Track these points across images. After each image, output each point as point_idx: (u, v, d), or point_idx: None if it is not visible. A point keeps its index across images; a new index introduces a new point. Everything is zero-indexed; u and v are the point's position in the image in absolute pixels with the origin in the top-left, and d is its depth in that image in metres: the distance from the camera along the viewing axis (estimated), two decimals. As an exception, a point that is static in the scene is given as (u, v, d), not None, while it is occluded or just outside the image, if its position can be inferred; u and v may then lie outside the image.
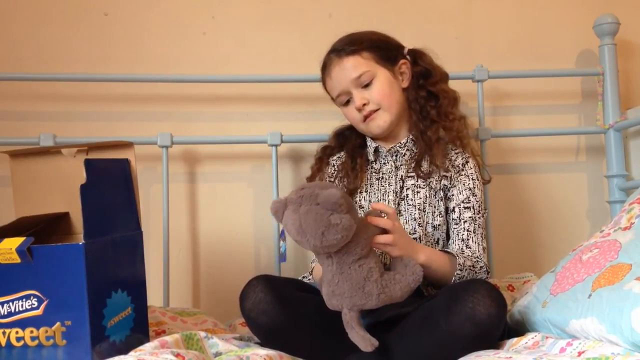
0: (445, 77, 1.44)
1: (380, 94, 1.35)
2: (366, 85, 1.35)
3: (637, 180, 1.68)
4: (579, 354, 0.99)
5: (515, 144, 1.77)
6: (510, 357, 0.99)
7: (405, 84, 1.40)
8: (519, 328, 1.23)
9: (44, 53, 1.67)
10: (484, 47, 1.77)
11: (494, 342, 1.12)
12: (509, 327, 1.21)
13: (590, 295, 1.06)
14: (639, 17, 1.80)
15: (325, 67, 1.40)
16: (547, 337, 1.11)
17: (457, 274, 1.23)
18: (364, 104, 1.35)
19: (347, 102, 1.39)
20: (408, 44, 1.43)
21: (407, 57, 1.41)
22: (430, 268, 1.21)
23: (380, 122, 1.36)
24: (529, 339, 1.11)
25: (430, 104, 1.40)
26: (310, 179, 1.50)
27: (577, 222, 1.76)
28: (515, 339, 1.13)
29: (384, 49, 1.39)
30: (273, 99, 1.72)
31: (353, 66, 1.35)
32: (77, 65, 1.67)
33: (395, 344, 1.13)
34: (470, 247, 1.30)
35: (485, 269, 1.28)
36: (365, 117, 1.36)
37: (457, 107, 1.43)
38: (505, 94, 1.77)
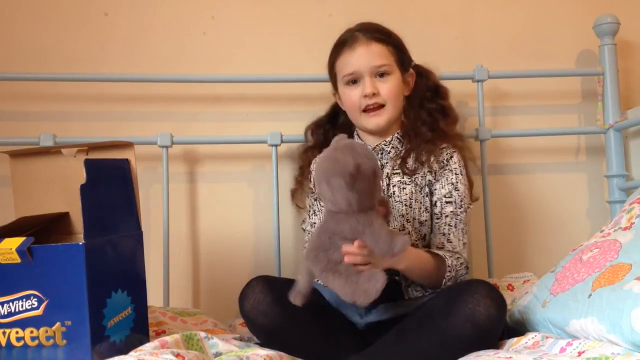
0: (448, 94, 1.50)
1: (391, 92, 1.36)
2: (380, 77, 1.36)
3: (637, 180, 1.68)
4: (579, 354, 0.99)
5: (515, 144, 1.77)
6: (510, 357, 0.99)
7: (406, 93, 1.43)
8: (519, 328, 1.23)
9: (44, 53, 1.67)
10: (484, 47, 1.77)
11: (494, 343, 1.13)
12: (509, 327, 1.21)
13: (590, 295, 1.06)
14: (639, 17, 1.80)
15: (347, 42, 1.38)
16: (547, 337, 1.11)
17: (447, 275, 1.24)
18: (374, 94, 1.35)
19: (354, 84, 1.38)
20: (408, 43, 1.43)
21: (413, 70, 1.44)
22: (413, 273, 1.23)
23: (382, 120, 1.36)
24: (529, 338, 1.12)
25: (437, 116, 1.43)
26: (294, 192, 1.56)
27: (577, 222, 1.76)
28: (515, 339, 1.13)
29: (403, 53, 1.41)
30: (273, 99, 1.72)
31: (380, 54, 1.35)
32: (77, 65, 1.67)
33: (395, 345, 1.13)
34: (451, 242, 1.31)
35: (465, 265, 1.29)
36: (368, 107, 1.36)
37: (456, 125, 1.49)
38: (505, 94, 1.77)
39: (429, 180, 1.35)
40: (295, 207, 1.60)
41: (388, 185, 1.36)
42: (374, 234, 1.07)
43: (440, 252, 1.27)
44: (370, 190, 1.08)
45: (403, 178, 1.35)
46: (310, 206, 1.47)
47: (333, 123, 1.53)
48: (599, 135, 1.75)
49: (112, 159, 1.15)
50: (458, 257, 1.28)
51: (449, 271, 1.23)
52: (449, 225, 1.32)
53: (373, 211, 1.10)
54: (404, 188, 1.35)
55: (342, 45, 1.39)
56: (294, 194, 1.58)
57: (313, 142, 1.54)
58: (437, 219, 1.34)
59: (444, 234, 1.32)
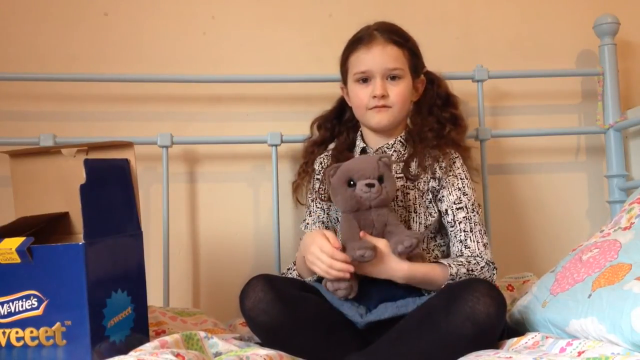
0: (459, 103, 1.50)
1: (400, 97, 1.36)
2: (392, 80, 1.36)
3: (637, 180, 1.68)
4: (579, 353, 0.99)
5: (515, 144, 1.77)
6: (510, 357, 0.99)
7: (414, 98, 1.43)
8: (519, 328, 1.23)
9: (44, 53, 1.67)
10: (484, 47, 1.77)
11: (494, 342, 1.13)
12: (509, 327, 1.21)
13: (590, 295, 1.06)
14: (639, 17, 1.80)
15: (364, 40, 1.38)
16: (547, 337, 1.11)
17: (448, 284, 1.22)
18: (383, 95, 1.35)
19: (364, 82, 1.37)
20: (408, 43, 1.43)
21: (424, 76, 1.44)
22: (413, 282, 1.22)
23: (385, 119, 1.36)
24: (529, 338, 1.12)
25: (447, 125, 1.43)
26: (296, 186, 1.55)
27: (577, 222, 1.76)
28: (515, 339, 1.13)
29: (418, 58, 1.41)
30: (273, 99, 1.72)
31: (395, 57, 1.36)
32: (77, 65, 1.67)
33: (395, 344, 1.13)
34: (469, 247, 1.30)
35: (489, 267, 1.27)
36: (375, 107, 1.36)
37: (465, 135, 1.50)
38: (505, 94, 1.77)
39: (433, 187, 1.35)
40: (295, 201, 1.59)
41: None
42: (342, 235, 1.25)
43: (445, 261, 1.25)
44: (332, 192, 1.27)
45: (406, 183, 1.35)
46: (308, 207, 1.47)
47: (339, 118, 1.53)
48: (599, 135, 1.75)
49: (112, 159, 1.15)
50: (477, 262, 1.26)
51: (451, 280, 1.22)
52: (464, 231, 1.31)
53: (349, 214, 1.25)
54: (407, 193, 1.35)
55: (358, 42, 1.39)
56: (296, 188, 1.57)
57: (319, 137, 1.54)
58: (452, 227, 1.33)
59: (460, 241, 1.31)
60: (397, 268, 1.21)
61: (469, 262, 1.26)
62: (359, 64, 1.37)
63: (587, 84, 1.79)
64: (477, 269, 1.25)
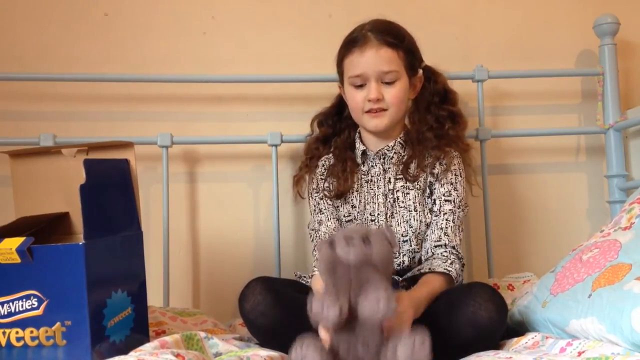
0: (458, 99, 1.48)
1: (395, 99, 1.34)
2: (387, 83, 1.34)
3: (637, 180, 1.68)
4: (579, 354, 0.99)
5: (515, 144, 1.77)
6: (510, 357, 0.99)
7: (412, 96, 1.42)
8: (519, 328, 1.23)
9: (44, 53, 1.67)
10: (484, 47, 1.77)
11: (495, 345, 1.13)
12: (509, 327, 1.22)
13: (590, 295, 1.06)
14: (639, 17, 1.80)
15: (357, 42, 1.35)
16: (547, 337, 1.11)
17: (450, 289, 1.23)
18: (378, 99, 1.33)
19: (359, 86, 1.36)
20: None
21: (422, 72, 1.42)
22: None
23: (381, 123, 1.35)
24: (529, 339, 1.12)
25: (445, 123, 1.41)
26: (298, 179, 1.53)
27: (577, 222, 1.76)
28: (515, 339, 1.13)
29: (414, 56, 1.39)
30: (273, 99, 1.72)
31: (388, 60, 1.33)
32: (78, 65, 1.67)
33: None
34: (448, 235, 1.31)
35: (462, 262, 1.30)
36: (371, 110, 1.35)
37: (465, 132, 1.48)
38: (505, 94, 1.77)
39: (430, 182, 1.36)
40: (296, 194, 1.58)
41: (391, 190, 1.37)
42: None
43: (440, 268, 1.25)
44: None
45: (406, 183, 1.36)
46: (315, 205, 1.44)
47: (339, 115, 1.52)
48: (599, 135, 1.75)
49: (112, 159, 1.15)
50: (455, 259, 1.28)
51: (456, 281, 1.25)
52: (447, 220, 1.32)
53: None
54: (407, 193, 1.35)
55: (352, 44, 1.36)
56: (297, 180, 1.55)
57: (321, 133, 1.53)
58: (436, 216, 1.34)
59: (441, 228, 1.32)
60: (409, 316, 1.09)
61: (452, 254, 1.29)
62: (353, 68, 1.36)
63: (587, 84, 1.79)
64: (458, 267, 1.28)
